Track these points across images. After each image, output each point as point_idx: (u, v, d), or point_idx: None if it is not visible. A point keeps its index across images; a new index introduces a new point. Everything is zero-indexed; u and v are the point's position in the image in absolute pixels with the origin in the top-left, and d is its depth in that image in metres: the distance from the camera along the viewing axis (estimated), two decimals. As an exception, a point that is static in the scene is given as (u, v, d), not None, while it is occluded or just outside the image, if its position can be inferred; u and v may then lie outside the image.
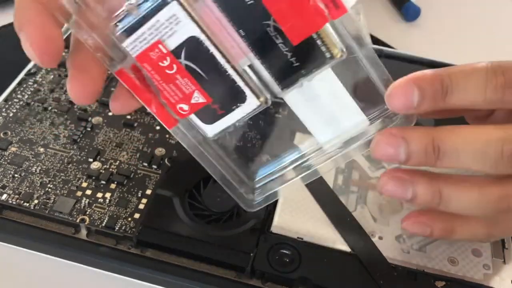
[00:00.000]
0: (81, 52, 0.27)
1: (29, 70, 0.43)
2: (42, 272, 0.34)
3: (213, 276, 0.32)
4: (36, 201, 0.34)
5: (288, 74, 0.25)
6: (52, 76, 0.43)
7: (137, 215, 0.34)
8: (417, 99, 0.24)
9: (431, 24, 0.59)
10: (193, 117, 0.27)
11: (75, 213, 0.34)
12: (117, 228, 0.33)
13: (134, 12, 0.24)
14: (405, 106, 0.24)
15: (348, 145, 0.28)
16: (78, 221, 0.33)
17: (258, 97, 0.26)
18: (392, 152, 0.25)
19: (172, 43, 0.24)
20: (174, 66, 0.25)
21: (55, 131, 0.39)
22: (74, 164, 0.37)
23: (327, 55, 0.24)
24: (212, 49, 0.24)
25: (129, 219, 0.34)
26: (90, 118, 0.40)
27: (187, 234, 0.33)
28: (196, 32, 0.24)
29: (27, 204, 0.34)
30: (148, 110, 0.27)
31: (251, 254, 0.32)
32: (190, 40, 0.24)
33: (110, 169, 0.37)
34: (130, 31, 0.24)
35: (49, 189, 0.35)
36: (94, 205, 0.35)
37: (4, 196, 0.34)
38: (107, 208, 0.34)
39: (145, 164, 0.37)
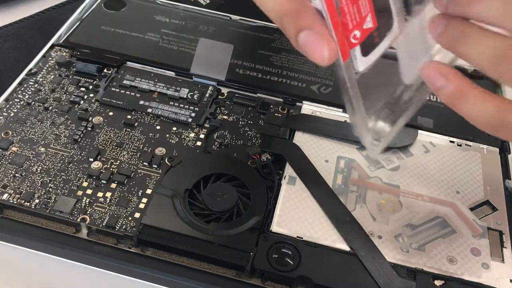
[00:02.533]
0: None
1: (30, 70, 0.44)
2: (42, 271, 0.35)
3: (213, 275, 0.32)
4: (37, 201, 0.34)
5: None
6: (52, 76, 0.43)
7: (137, 215, 0.34)
8: None
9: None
10: (357, 47, 0.25)
11: (75, 212, 0.34)
12: (117, 228, 0.33)
13: None
14: None
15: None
16: (78, 220, 0.34)
17: (398, 23, 0.26)
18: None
19: None
20: None
21: (55, 131, 0.39)
22: (75, 163, 0.37)
23: None
24: None
25: (130, 218, 0.34)
26: (90, 118, 0.40)
27: (187, 233, 0.33)
28: None
29: (28, 204, 0.34)
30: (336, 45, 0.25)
31: (251, 253, 0.32)
32: None
33: (111, 169, 0.37)
34: None
35: (50, 189, 0.35)
36: (95, 204, 0.35)
37: (5, 196, 0.35)
38: (107, 207, 0.35)
39: (146, 163, 0.37)
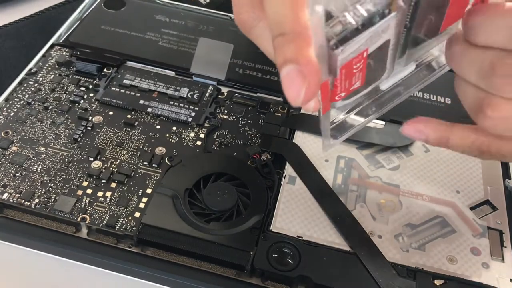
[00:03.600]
0: (313, 57, 0.23)
1: (30, 69, 0.44)
2: (42, 271, 0.35)
3: (213, 274, 0.32)
4: (37, 200, 0.35)
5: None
6: (52, 76, 0.43)
7: (137, 214, 0.34)
8: None
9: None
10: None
11: (75, 212, 0.34)
12: (117, 227, 0.33)
13: (349, 22, 0.22)
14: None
15: None
16: (78, 220, 0.34)
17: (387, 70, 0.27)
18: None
19: (372, 48, 0.24)
20: (361, 65, 0.25)
21: (55, 130, 0.39)
22: (75, 163, 0.37)
23: None
24: (392, 43, 0.25)
25: (130, 218, 0.34)
26: (90, 118, 0.40)
27: (187, 233, 0.33)
28: (391, 34, 0.24)
29: (28, 203, 0.34)
30: (319, 104, 0.25)
31: (251, 253, 0.32)
32: (384, 42, 0.24)
33: (111, 168, 0.37)
34: (345, 43, 0.23)
35: (50, 188, 0.35)
36: (95, 204, 0.35)
37: (5, 195, 0.35)
38: (107, 207, 0.35)
39: (146, 163, 0.37)
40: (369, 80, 0.27)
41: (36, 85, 0.42)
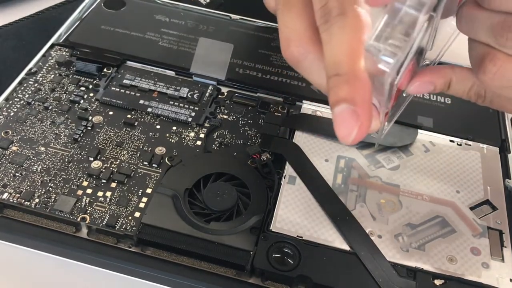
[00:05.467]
0: (369, 98, 0.24)
1: (30, 69, 0.44)
2: (43, 271, 0.35)
3: (213, 274, 0.32)
4: (37, 200, 0.35)
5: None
6: (52, 76, 0.43)
7: (137, 214, 0.34)
8: None
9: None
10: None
11: (75, 212, 0.34)
12: (117, 227, 0.33)
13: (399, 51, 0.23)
14: None
15: None
16: (78, 220, 0.34)
17: None
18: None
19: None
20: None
21: (55, 130, 0.39)
22: (75, 163, 0.37)
23: None
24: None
25: (130, 217, 0.34)
26: (90, 117, 0.40)
27: (187, 232, 0.33)
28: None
29: (28, 203, 0.34)
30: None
31: (251, 253, 0.32)
32: None
33: (111, 168, 0.37)
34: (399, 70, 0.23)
35: (50, 188, 0.35)
36: (95, 204, 0.35)
37: (5, 195, 0.35)
38: (107, 207, 0.35)
39: (146, 163, 0.37)
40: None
41: (36, 85, 0.42)
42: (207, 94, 0.43)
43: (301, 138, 0.40)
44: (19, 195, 0.35)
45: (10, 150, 0.37)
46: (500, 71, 0.27)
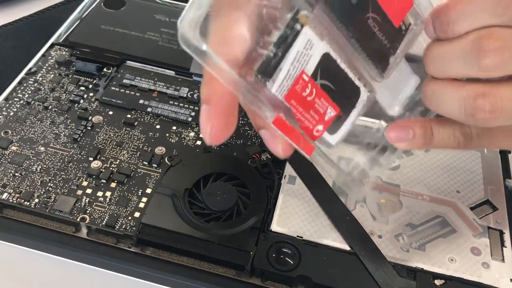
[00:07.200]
0: (224, 98, 0.25)
1: (30, 69, 0.44)
2: (42, 271, 0.35)
3: (213, 274, 0.32)
4: (36, 200, 0.34)
5: (382, 57, 0.26)
6: (52, 75, 0.43)
7: (137, 214, 0.34)
8: None
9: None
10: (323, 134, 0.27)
11: (75, 212, 0.34)
12: (117, 227, 0.33)
13: (267, 54, 0.23)
14: None
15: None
16: (78, 220, 0.34)
17: (365, 86, 0.26)
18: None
19: (310, 68, 0.24)
20: (314, 90, 0.24)
21: (55, 130, 0.39)
22: (75, 163, 0.37)
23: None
24: (337, 57, 0.24)
25: (129, 218, 0.34)
26: (90, 117, 0.40)
27: (187, 232, 0.33)
28: (327, 48, 0.24)
29: (28, 203, 0.34)
30: (296, 147, 0.26)
31: (251, 253, 0.32)
32: (323, 58, 0.24)
33: (111, 168, 0.37)
34: (272, 73, 0.23)
35: (50, 188, 0.35)
36: (95, 204, 0.35)
37: (5, 195, 0.34)
38: (107, 207, 0.35)
39: (145, 163, 0.37)
40: (347, 103, 0.26)
41: (35, 84, 0.42)
42: (207, 94, 0.43)
43: (301, 138, 0.40)
44: (18, 195, 0.35)
45: (10, 150, 0.37)
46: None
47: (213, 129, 0.24)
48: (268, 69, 0.23)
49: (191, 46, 0.21)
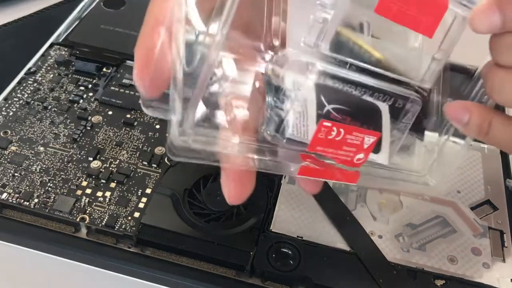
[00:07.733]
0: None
1: (29, 69, 0.43)
2: (42, 271, 0.34)
3: (213, 274, 0.32)
4: (36, 200, 0.34)
5: None
6: (51, 75, 0.43)
7: (137, 214, 0.34)
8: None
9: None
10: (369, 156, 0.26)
11: (75, 212, 0.34)
12: (117, 227, 0.33)
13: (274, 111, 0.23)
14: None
15: None
16: (78, 220, 0.34)
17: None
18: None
19: (313, 104, 0.23)
20: (341, 130, 0.24)
21: (55, 130, 0.39)
22: (74, 163, 0.37)
23: None
24: (330, 80, 0.24)
25: (129, 218, 0.34)
26: (90, 117, 0.40)
27: (187, 233, 0.33)
28: (315, 79, 0.23)
29: (27, 203, 0.34)
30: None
31: (251, 253, 0.32)
32: (318, 88, 0.23)
33: (110, 168, 0.37)
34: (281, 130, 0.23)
35: (49, 188, 0.35)
36: (94, 204, 0.35)
37: (4, 195, 0.34)
38: (107, 207, 0.34)
39: (145, 163, 0.37)
40: (371, 121, 0.26)
41: (35, 84, 0.42)
42: (207, 94, 0.43)
43: (301, 138, 0.40)
44: (18, 195, 0.35)
45: (9, 150, 0.37)
46: None
47: (231, 191, 0.26)
48: (277, 126, 0.23)
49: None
